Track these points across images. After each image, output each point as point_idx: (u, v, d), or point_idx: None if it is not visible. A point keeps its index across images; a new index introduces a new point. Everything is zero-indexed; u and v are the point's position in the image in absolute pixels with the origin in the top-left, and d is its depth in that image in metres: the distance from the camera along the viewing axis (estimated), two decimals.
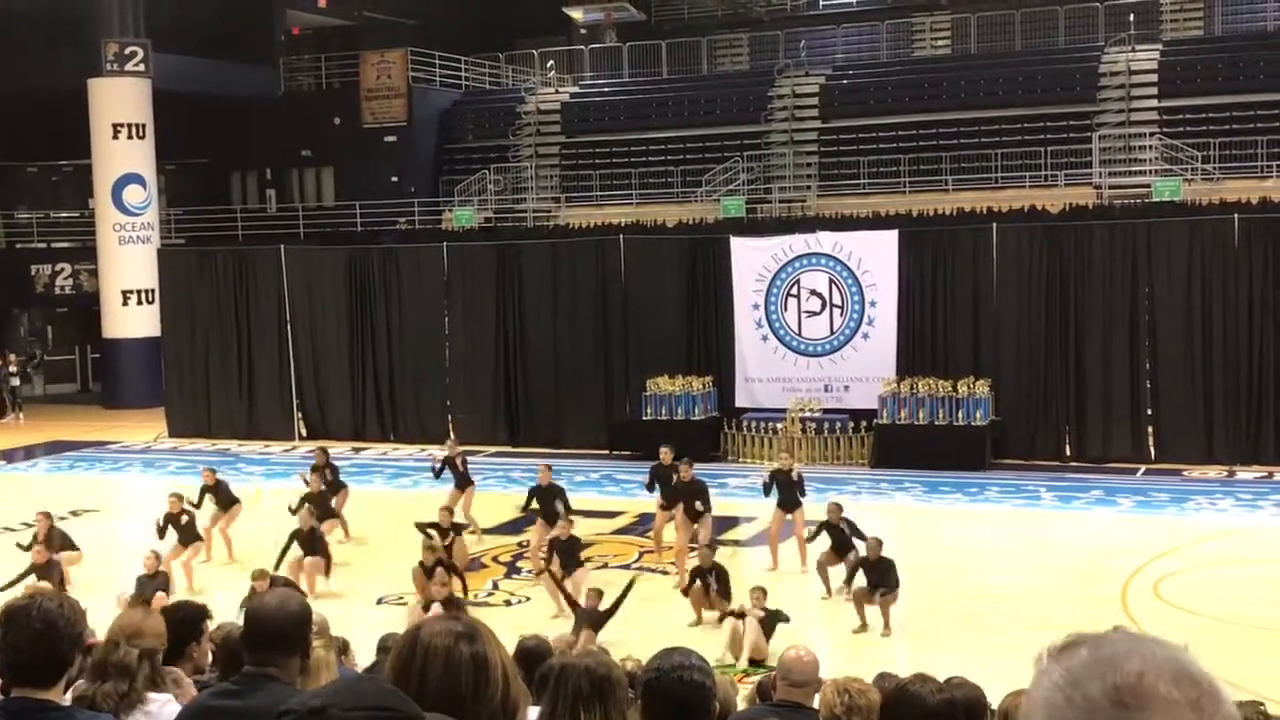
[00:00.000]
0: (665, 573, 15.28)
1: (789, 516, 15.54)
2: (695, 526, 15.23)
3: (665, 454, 16.53)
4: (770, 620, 12.35)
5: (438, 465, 17.88)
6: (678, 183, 30.18)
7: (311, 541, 14.75)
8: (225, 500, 16.74)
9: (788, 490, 15.49)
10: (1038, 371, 21.62)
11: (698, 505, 15.31)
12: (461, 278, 25.06)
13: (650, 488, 16.58)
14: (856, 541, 14.25)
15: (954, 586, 14.60)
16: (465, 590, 13.87)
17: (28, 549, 14.23)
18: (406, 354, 25.17)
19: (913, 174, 28.42)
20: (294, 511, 15.46)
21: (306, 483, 16.91)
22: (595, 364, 23.88)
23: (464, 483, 17.53)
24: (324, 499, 16.62)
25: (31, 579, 13.44)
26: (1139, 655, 1.25)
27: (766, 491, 15.75)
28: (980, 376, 21.34)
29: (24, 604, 3.64)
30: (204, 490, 16.76)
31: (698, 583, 13.45)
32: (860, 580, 13.47)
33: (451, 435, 18.08)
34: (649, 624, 13.23)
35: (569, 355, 24.03)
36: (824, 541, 14.74)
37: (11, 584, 13.07)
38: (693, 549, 14.79)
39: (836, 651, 11.88)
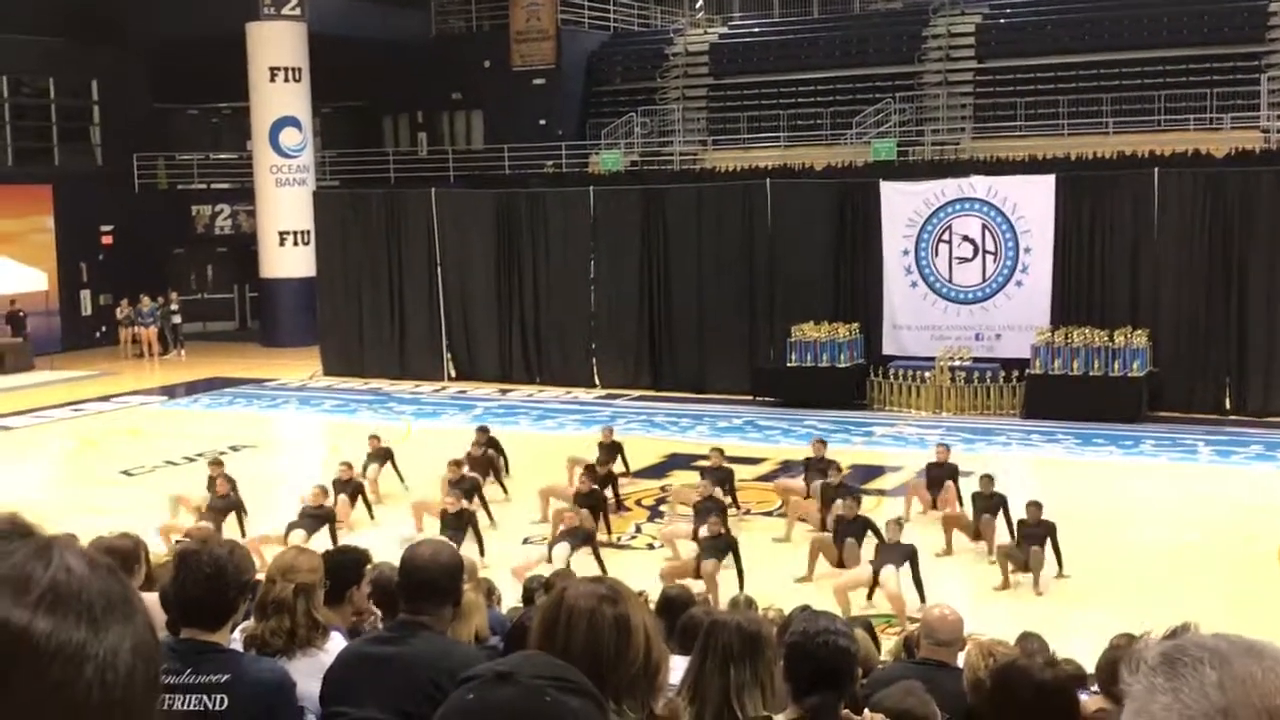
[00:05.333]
0: (804, 520, 15.17)
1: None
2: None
3: (818, 445, 16.36)
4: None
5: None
6: (827, 125, 29.79)
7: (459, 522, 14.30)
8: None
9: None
10: (1198, 322, 20.95)
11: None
12: (607, 221, 25.14)
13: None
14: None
15: (1105, 543, 14.30)
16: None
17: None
18: (553, 297, 25.38)
19: (1072, 116, 27.60)
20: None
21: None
22: (739, 309, 23.79)
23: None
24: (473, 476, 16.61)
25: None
26: (1271, 670, 1.17)
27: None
28: (1138, 326, 20.77)
29: (196, 549, 3.79)
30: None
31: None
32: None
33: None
34: (774, 571, 13.27)
35: (713, 300, 23.98)
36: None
37: None
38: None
39: (978, 609, 11.74)
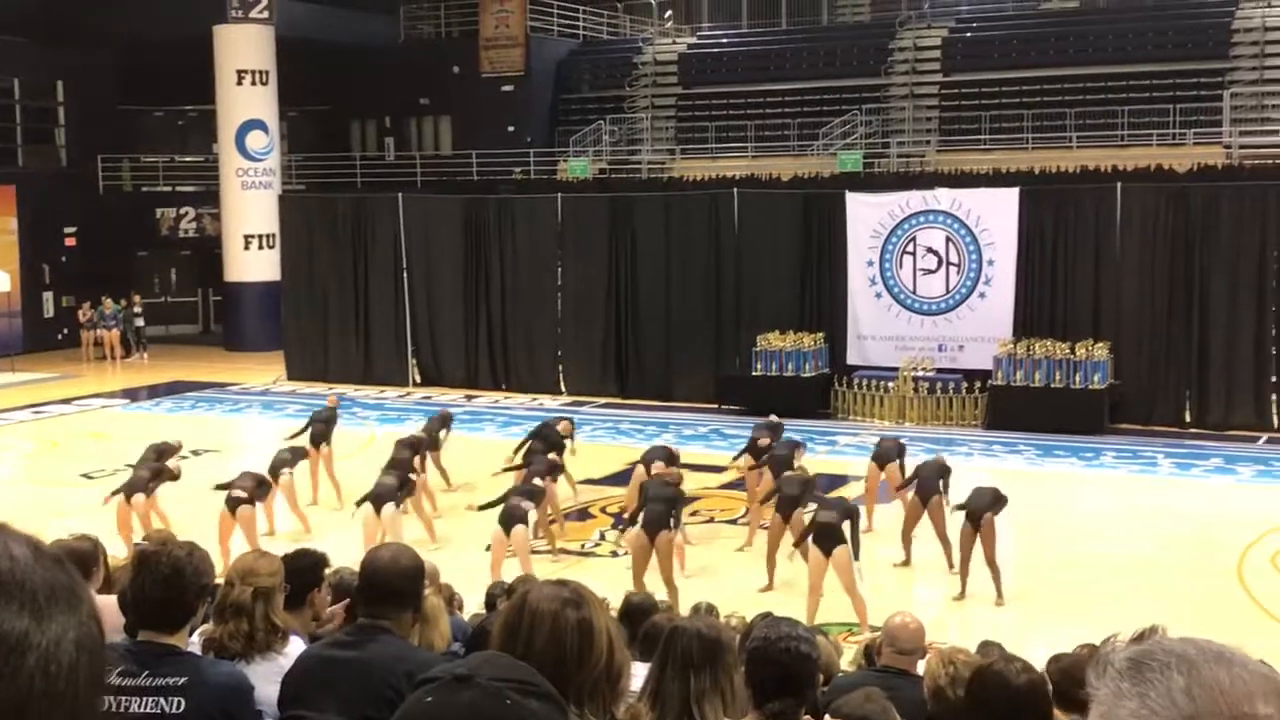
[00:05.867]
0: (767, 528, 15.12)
1: (882, 474, 15.39)
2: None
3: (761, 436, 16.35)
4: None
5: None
6: (794, 136, 29.86)
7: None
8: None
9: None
10: (1159, 335, 21.14)
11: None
12: (575, 229, 25.14)
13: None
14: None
15: (1065, 553, 14.39)
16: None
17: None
18: (519, 304, 25.36)
19: (1036, 130, 27.79)
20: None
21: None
22: (706, 318, 23.83)
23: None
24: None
25: None
26: (1239, 677, 1.18)
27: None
28: (1099, 339, 20.93)
29: (155, 550, 3.77)
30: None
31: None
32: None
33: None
34: (738, 580, 13.27)
35: (680, 308, 24.02)
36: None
37: None
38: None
39: (941, 618, 11.78)
